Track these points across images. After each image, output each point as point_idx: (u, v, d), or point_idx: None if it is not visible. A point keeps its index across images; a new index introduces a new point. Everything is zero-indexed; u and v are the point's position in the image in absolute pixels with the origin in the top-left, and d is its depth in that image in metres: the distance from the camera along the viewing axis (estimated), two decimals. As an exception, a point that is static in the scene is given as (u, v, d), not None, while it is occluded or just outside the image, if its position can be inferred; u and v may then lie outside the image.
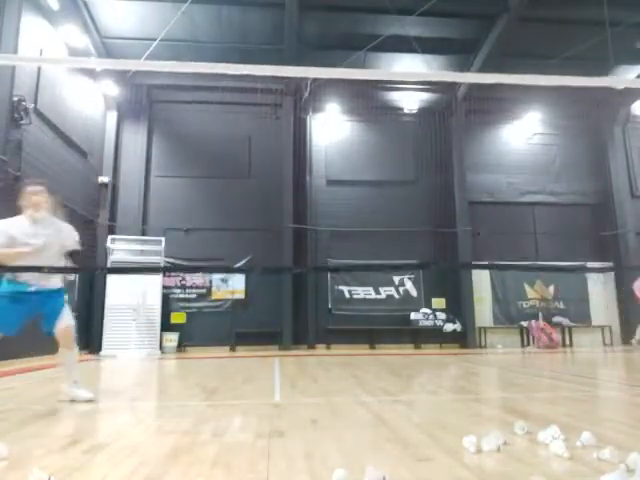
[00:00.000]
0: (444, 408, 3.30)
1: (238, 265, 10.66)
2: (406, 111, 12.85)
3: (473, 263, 12.24)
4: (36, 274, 3.51)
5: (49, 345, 8.50)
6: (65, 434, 2.47)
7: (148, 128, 11.95)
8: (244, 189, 11.84)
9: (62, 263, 3.76)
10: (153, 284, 10.53)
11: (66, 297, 3.73)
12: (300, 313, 11.35)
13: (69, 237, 3.78)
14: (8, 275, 3.57)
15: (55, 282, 3.68)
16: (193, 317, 11.17)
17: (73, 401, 3.51)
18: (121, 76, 11.10)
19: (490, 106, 12.54)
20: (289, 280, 11.14)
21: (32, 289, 3.52)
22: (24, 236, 3.54)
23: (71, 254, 3.82)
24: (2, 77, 7.37)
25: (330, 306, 11.65)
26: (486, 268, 13.18)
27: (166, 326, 10.71)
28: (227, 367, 6.88)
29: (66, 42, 9.44)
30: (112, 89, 11.16)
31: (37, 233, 3.59)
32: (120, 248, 10.68)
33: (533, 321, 11.75)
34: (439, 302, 11.89)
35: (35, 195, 3.63)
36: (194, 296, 11.31)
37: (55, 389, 4.59)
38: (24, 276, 3.52)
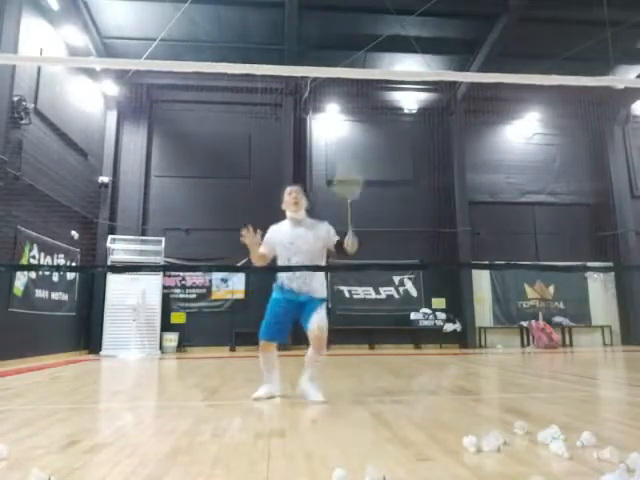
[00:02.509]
0: (444, 408, 3.30)
1: (239, 264, 10.63)
2: (406, 111, 12.85)
3: (473, 263, 12.22)
4: (306, 283, 3.48)
5: (49, 345, 8.52)
6: (65, 434, 2.47)
7: (148, 128, 11.94)
8: (244, 189, 11.82)
9: (323, 263, 3.71)
10: (153, 284, 10.54)
11: (324, 304, 3.61)
12: (300, 313, 11.32)
13: (328, 235, 3.67)
14: (279, 283, 3.58)
15: (322, 291, 3.60)
16: (193, 317, 11.16)
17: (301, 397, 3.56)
18: (121, 76, 11.09)
19: (490, 106, 12.51)
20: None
21: (301, 298, 3.51)
22: (285, 239, 3.58)
23: (336, 248, 3.63)
24: (2, 77, 7.36)
25: (330, 306, 11.64)
26: (486, 268, 13.17)
27: (166, 326, 10.70)
28: (227, 367, 6.87)
29: (66, 42, 9.43)
30: (112, 89, 11.14)
31: (297, 235, 3.60)
32: (120, 248, 10.67)
33: (533, 321, 11.75)
34: (439, 302, 11.89)
35: (290, 195, 3.72)
36: (194, 296, 11.31)
37: (55, 389, 4.59)
38: (291, 284, 3.52)
